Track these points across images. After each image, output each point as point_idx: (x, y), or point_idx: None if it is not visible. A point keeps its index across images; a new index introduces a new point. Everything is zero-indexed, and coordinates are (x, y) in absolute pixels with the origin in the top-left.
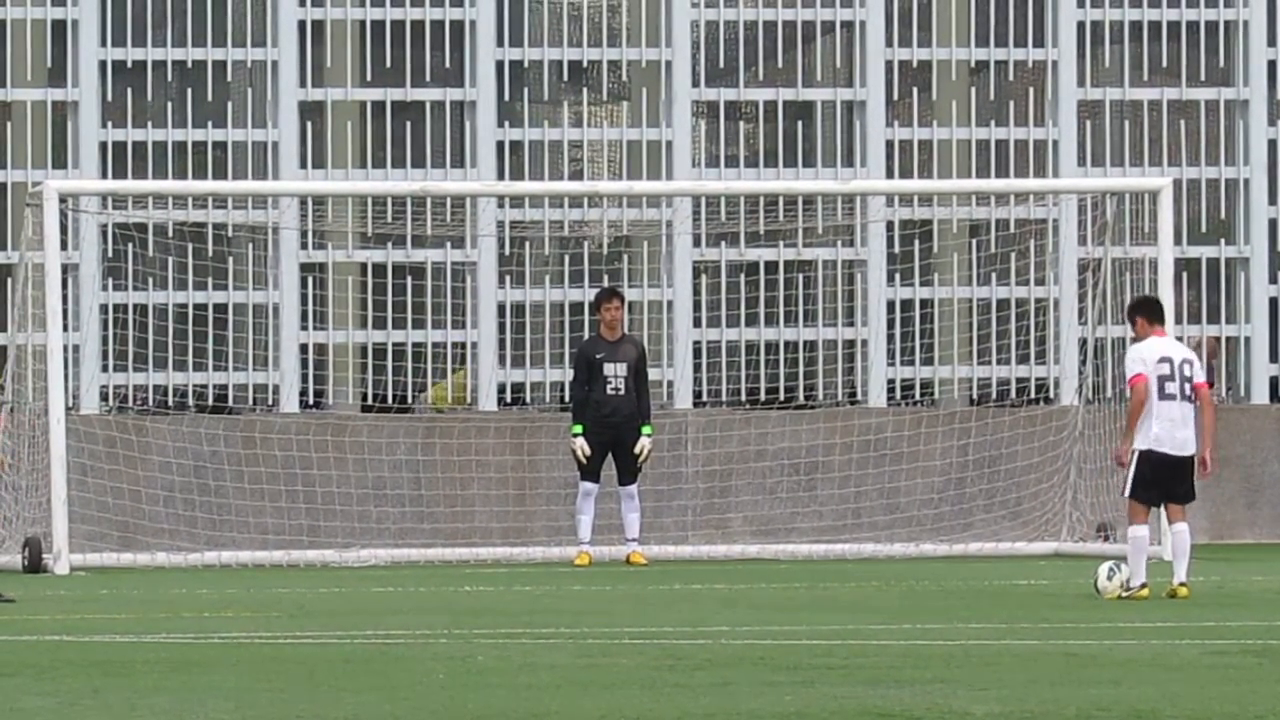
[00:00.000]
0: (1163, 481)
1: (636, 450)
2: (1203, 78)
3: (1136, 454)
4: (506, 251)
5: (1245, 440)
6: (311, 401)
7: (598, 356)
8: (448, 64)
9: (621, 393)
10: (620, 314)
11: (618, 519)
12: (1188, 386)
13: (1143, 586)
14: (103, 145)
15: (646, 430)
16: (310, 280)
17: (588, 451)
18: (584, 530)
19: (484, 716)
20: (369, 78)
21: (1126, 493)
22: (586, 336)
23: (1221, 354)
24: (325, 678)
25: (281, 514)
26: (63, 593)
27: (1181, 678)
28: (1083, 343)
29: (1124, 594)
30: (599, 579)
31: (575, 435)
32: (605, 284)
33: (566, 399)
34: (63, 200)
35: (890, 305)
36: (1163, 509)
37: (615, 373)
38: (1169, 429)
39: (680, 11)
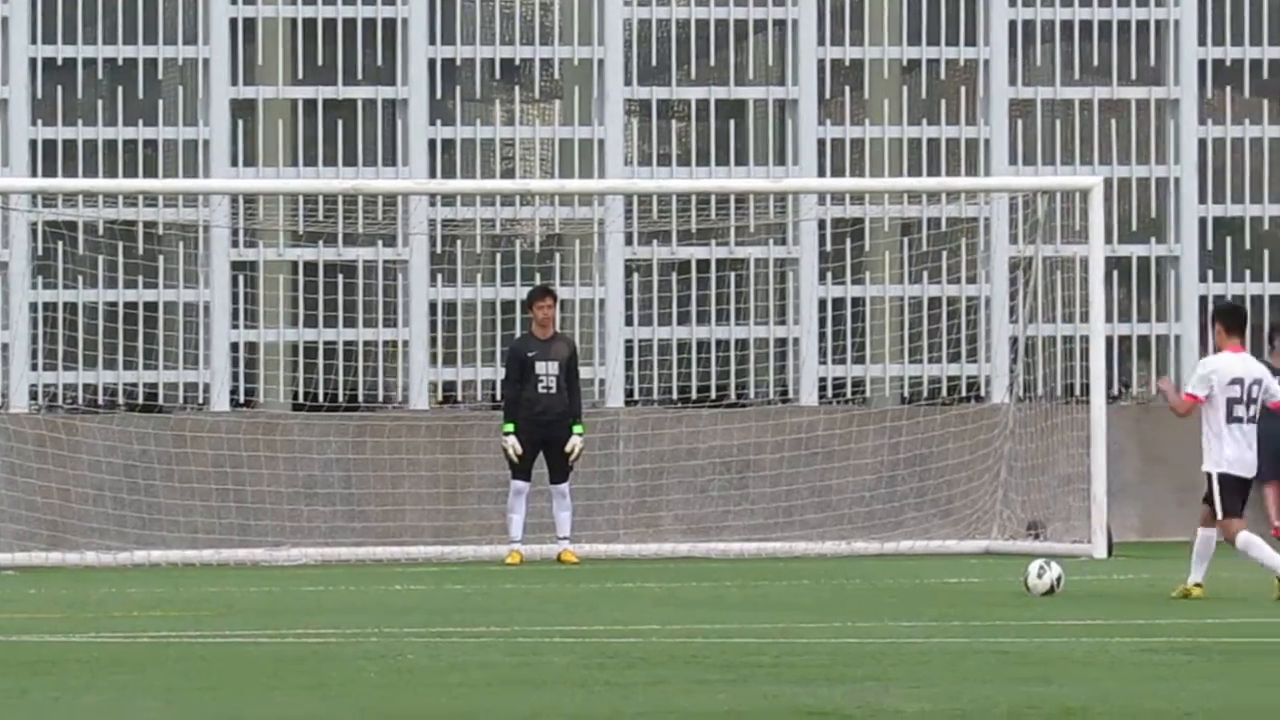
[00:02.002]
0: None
1: (568, 449)
2: (1134, 77)
3: (1215, 477)
4: (438, 249)
5: (1176, 438)
6: (242, 400)
7: (530, 355)
8: (380, 62)
9: (553, 391)
10: (552, 312)
11: (549, 517)
12: (1253, 408)
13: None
14: (33, 143)
15: (578, 429)
16: (241, 278)
17: (519, 450)
18: (515, 529)
19: (415, 715)
20: (300, 75)
21: (1220, 517)
22: (518, 335)
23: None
24: (256, 677)
25: (212, 513)
26: None
27: (1112, 675)
28: (1014, 341)
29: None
30: (530, 577)
31: (507, 434)
32: (537, 282)
33: (498, 397)
34: None
35: (822, 303)
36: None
37: (547, 371)
38: (1238, 452)
39: (612, 10)
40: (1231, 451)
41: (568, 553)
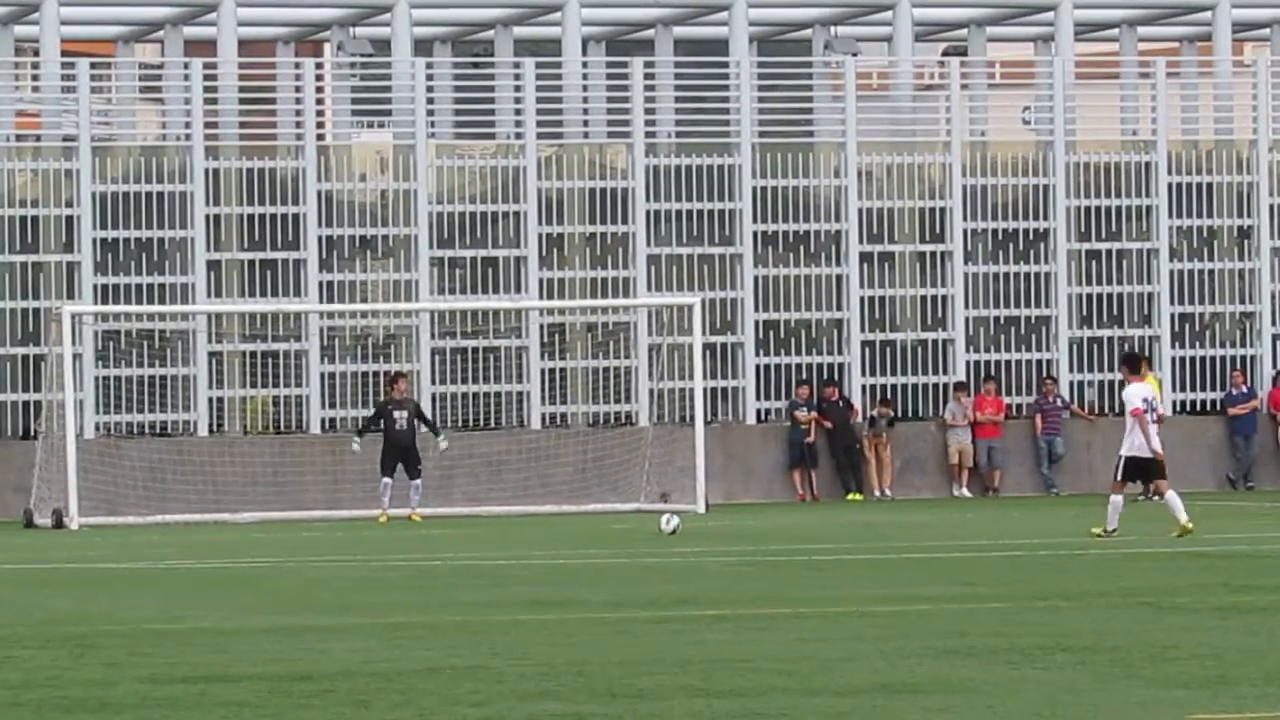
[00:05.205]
0: (1139, 471)
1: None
2: (716, 240)
3: (1124, 458)
4: None
5: (747, 447)
6: None
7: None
8: None
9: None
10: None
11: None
12: (1154, 415)
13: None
14: None
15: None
16: None
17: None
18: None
19: None
20: None
21: (1119, 478)
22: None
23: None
24: None
25: None
26: None
27: (712, 578)
28: (652, 391)
29: (1102, 533)
30: (381, 530)
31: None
32: None
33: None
34: None
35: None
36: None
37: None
38: (1144, 441)
39: None
40: (1139, 441)
41: (416, 514)
